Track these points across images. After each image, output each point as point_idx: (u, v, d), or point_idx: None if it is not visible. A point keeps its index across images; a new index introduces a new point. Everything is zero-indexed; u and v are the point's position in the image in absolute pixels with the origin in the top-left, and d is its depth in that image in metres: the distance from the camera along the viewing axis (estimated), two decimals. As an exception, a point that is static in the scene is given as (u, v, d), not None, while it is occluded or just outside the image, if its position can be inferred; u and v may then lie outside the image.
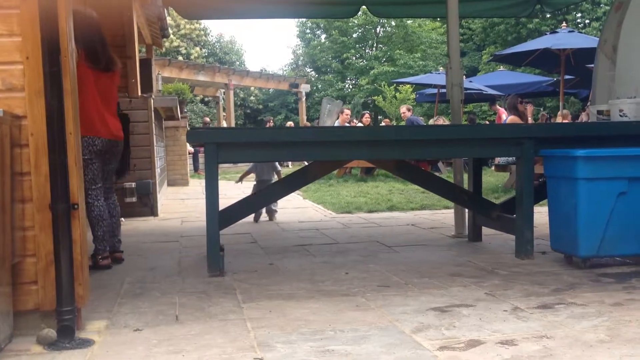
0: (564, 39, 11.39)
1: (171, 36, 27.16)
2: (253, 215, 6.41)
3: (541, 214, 4.80)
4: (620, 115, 4.43)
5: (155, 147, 7.40)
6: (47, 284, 2.62)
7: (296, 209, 7.64)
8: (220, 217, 3.88)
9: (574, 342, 2.41)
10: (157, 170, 7.95)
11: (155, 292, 3.45)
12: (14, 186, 2.58)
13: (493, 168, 10.25)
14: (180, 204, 8.46)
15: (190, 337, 2.59)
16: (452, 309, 2.93)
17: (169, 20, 11.26)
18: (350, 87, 36.82)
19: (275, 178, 6.66)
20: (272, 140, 4.01)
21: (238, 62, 37.29)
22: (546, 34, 13.49)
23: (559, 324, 2.66)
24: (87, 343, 2.53)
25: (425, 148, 4.13)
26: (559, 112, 12.25)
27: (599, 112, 4.77)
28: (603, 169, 3.67)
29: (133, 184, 6.89)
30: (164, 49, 25.38)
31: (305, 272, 3.88)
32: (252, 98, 36.35)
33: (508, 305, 2.97)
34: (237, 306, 3.08)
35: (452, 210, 5.48)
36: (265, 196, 4.77)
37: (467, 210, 5.05)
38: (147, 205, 7.06)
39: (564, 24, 14.05)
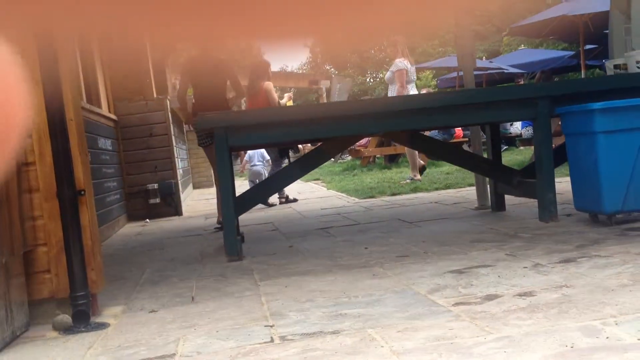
0: (582, 3, 11.05)
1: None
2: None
3: (563, 183, 4.68)
4: (638, 67, 4.28)
5: (175, 148, 7.45)
6: (59, 271, 2.63)
7: (319, 198, 7.60)
8: (236, 203, 3.87)
9: (594, 289, 2.32)
10: (180, 171, 7.99)
11: (174, 278, 3.45)
12: (21, 177, 2.60)
13: (521, 148, 10.07)
14: (205, 204, 8.49)
15: (204, 313, 2.58)
16: (471, 270, 2.86)
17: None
18: (372, 80, 36.66)
19: (265, 165, 7.58)
20: (280, 119, 3.98)
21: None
22: (562, 2, 13.14)
23: (580, 274, 2.57)
24: (102, 326, 2.54)
25: (436, 116, 4.05)
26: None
27: (616, 67, 4.62)
28: (622, 120, 3.54)
29: (155, 185, 6.93)
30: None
31: (324, 251, 3.84)
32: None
33: (529, 263, 2.89)
34: (254, 284, 3.06)
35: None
36: (281, 179, 4.73)
37: (488, 181, 4.95)
38: (170, 205, 7.10)
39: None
